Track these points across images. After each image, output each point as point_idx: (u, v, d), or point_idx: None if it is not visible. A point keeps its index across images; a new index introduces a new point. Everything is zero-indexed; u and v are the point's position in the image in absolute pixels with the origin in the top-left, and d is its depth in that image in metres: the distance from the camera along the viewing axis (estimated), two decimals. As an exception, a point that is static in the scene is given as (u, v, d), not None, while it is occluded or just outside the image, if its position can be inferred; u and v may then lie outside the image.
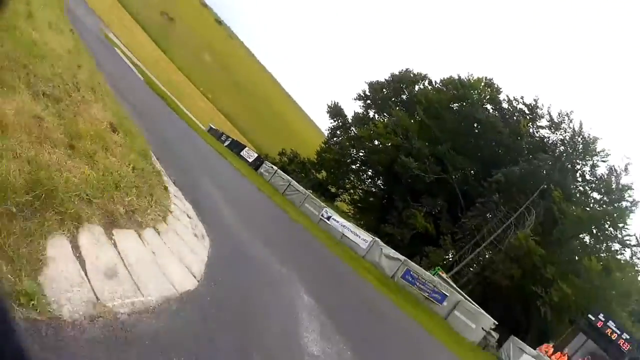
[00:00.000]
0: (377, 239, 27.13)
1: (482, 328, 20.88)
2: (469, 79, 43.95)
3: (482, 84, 43.37)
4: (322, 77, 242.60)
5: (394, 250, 25.29)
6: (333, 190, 50.51)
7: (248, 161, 38.78)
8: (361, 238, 26.20)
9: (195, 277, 5.71)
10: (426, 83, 49.43)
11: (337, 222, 27.58)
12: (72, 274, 3.71)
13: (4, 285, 2.98)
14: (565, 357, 22.45)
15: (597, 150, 36.60)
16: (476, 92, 43.13)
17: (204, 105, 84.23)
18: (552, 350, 22.55)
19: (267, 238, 12.13)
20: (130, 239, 5.00)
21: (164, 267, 5.21)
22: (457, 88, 44.02)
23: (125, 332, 3.68)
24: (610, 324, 24.18)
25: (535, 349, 21.05)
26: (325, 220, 27.68)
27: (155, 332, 4.00)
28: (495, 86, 44.20)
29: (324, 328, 7.77)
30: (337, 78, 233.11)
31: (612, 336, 24.07)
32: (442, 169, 38.63)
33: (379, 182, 49.52)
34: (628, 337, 24.29)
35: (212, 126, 52.11)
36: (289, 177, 35.12)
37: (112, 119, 7.68)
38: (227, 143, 43.87)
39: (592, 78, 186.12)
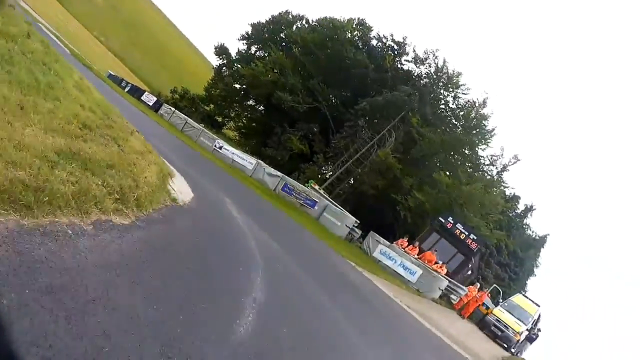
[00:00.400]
0: (260, 161, 31.74)
1: (346, 225, 25.55)
2: (342, 20, 48.62)
3: (354, 24, 48.20)
4: (213, 15, 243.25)
5: (274, 169, 29.78)
6: (219, 119, 54.96)
7: (149, 104, 41.09)
8: (247, 161, 30.88)
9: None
10: (303, 22, 53.51)
11: (228, 150, 32.06)
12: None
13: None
14: (417, 249, 26.79)
15: (460, 83, 41.83)
16: (347, 31, 47.78)
17: (99, 50, 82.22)
18: (406, 243, 26.88)
19: (171, 162, 14.99)
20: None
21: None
22: (330, 28, 48.35)
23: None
24: (459, 226, 29.44)
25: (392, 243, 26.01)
26: (218, 149, 31.94)
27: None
28: (367, 25, 49.48)
29: (249, 222, 11.67)
30: (227, 17, 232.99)
31: (461, 236, 29.34)
32: (314, 99, 43.12)
33: (260, 109, 54.09)
34: (475, 237, 30.04)
35: (111, 72, 52.83)
36: (185, 116, 38.32)
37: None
38: (127, 89, 45.61)
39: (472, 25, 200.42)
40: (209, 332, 4.50)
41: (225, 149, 32.49)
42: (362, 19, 49.80)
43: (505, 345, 24.36)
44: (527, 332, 26.68)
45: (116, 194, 5.46)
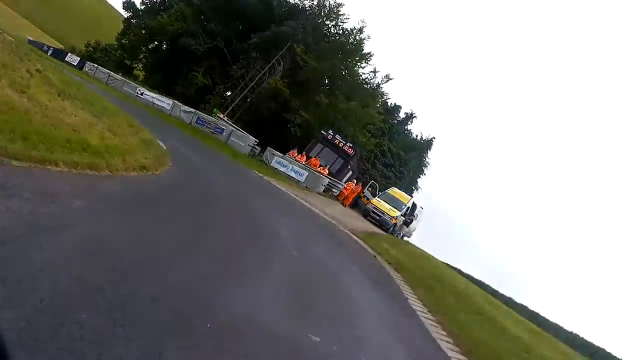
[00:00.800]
0: (175, 101, 36.65)
1: (249, 144, 32.15)
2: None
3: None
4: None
5: (187, 107, 35.18)
6: (129, 63, 57.86)
7: (74, 64, 43.69)
8: (165, 102, 36.17)
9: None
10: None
11: (148, 95, 37.17)
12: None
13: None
14: (304, 157, 33.81)
15: (340, 13, 47.20)
16: None
17: (8, 14, 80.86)
18: (296, 153, 33.78)
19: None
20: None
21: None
22: None
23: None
24: (337, 136, 36.93)
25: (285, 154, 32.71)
26: (140, 95, 36.90)
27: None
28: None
29: (176, 146, 16.65)
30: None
31: (339, 144, 36.78)
32: (212, 39, 46.67)
33: (165, 50, 56.94)
34: (351, 145, 37.75)
35: (30, 38, 53.45)
36: (107, 70, 41.97)
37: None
38: (50, 52, 47.45)
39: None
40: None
41: (146, 94, 37.29)
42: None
43: (385, 228, 30.09)
44: (402, 218, 33.01)
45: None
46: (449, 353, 8.72)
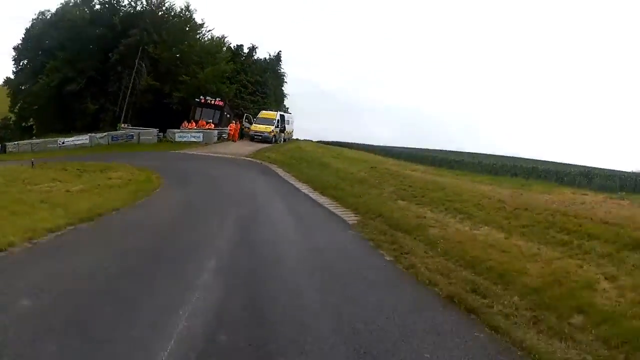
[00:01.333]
0: (89, 134, 45.62)
1: (154, 135, 43.50)
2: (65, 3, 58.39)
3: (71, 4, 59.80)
4: None
5: (100, 133, 46.00)
6: (28, 124, 62.34)
7: None
8: (83, 139, 44.79)
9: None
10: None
11: (68, 140, 44.97)
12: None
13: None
14: (193, 124, 45.78)
15: (166, 2, 57.06)
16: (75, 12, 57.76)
17: None
18: (186, 124, 45.74)
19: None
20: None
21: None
22: (62, 15, 58.01)
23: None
24: (208, 98, 49.12)
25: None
26: (63, 144, 44.28)
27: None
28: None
29: (113, 157, 29.33)
30: None
31: (210, 102, 48.96)
32: (85, 74, 54.41)
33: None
34: (219, 97, 50.10)
35: None
36: (28, 140, 48.83)
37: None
38: None
39: None
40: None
41: (67, 141, 44.62)
42: None
43: (268, 141, 42.93)
44: (277, 129, 46.29)
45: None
46: (296, 184, 21.98)
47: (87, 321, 5.40)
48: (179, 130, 44.15)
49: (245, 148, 38.73)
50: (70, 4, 59.20)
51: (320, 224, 13.87)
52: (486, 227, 11.58)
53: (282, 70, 78.47)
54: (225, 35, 60.41)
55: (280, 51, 78.67)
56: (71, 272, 7.36)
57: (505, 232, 10.93)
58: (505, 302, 6.84)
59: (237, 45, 70.39)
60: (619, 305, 6.50)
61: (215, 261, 8.50)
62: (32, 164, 22.21)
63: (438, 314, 6.61)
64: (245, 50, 72.46)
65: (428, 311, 6.77)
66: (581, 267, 8.21)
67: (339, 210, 15.19)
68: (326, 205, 16.23)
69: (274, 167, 27.72)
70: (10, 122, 62.34)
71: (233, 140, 44.55)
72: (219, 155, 33.35)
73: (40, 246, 8.70)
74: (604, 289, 7.14)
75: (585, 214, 11.94)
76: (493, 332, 5.88)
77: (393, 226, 12.17)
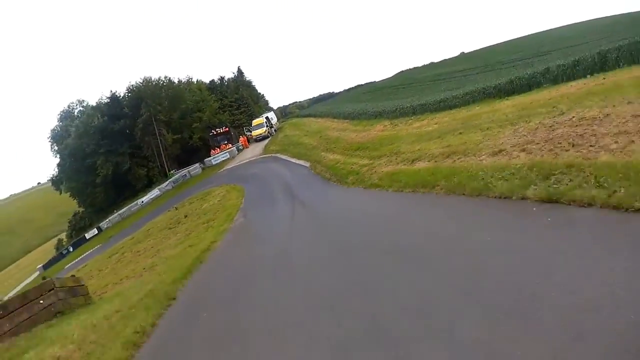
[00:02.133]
0: (159, 187, 62.71)
1: (199, 167, 63.79)
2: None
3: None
4: None
5: (164, 184, 63.79)
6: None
7: (97, 233, 61.44)
8: (155, 193, 61.99)
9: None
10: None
11: (145, 199, 61.57)
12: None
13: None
14: (218, 149, 66.45)
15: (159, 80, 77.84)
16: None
17: None
18: (213, 151, 66.70)
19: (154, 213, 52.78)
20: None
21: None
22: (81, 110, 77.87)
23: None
24: (216, 129, 70.70)
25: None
26: (142, 203, 61.18)
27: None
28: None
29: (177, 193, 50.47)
30: None
31: (219, 130, 70.83)
32: (123, 157, 74.55)
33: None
34: (224, 125, 71.96)
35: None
36: (117, 213, 62.15)
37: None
38: (67, 252, 63.41)
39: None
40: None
41: (144, 200, 60.48)
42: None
43: (266, 138, 63.81)
44: (269, 127, 67.11)
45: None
46: (287, 158, 41.98)
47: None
48: (212, 157, 64.06)
49: (256, 150, 58.97)
50: (85, 114, 75.95)
51: (295, 167, 33.10)
52: (338, 155, 30.13)
53: (247, 79, 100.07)
54: (201, 80, 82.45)
55: (239, 66, 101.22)
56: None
57: (344, 156, 30.19)
58: (323, 171, 27.09)
59: (210, 80, 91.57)
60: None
61: (263, 178, 31.29)
62: (176, 208, 39.17)
63: (315, 179, 26.62)
64: (217, 80, 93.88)
65: (314, 179, 26.48)
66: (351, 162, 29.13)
67: (303, 162, 33.75)
68: (298, 162, 34.69)
69: (276, 155, 47.37)
70: (80, 212, 77.99)
71: (246, 147, 64.70)
72: (245, 160, 53.12)
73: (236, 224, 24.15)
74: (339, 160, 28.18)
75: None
76: (324, 180, 25.31)
77: (316, 162, 30.39)
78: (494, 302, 6.30)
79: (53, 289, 13.69)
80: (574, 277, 6.06)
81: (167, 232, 30.93)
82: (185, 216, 32.97)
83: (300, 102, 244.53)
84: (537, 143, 11.97)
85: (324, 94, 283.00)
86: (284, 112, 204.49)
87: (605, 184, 7.86)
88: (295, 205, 20.13)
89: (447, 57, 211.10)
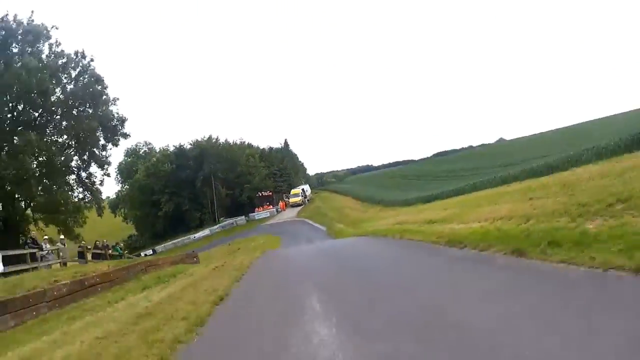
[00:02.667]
0: (211, 227, 78.29)
1: (243, 220, 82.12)
2: None
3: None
4: None
5: (216, 226, 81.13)
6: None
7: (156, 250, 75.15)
8: (207, 231, 76.83)
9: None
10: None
11: (196, 236, 75.20)
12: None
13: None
14: (262, 208, 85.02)
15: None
16: None
17: None
18: (257, 209, 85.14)
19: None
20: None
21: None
22: None
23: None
24: (261, 193, 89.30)
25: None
26: (194, 237, 76.76)
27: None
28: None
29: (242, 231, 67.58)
30: None
31: (264, 195, 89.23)
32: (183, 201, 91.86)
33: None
34: (268, 190, 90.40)
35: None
36: (159, 247, 72.80)
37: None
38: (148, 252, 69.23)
39: None
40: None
41: (197, 235, 73.67)
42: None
43: (299, 205, 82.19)
44: (303, 197, 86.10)
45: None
46: (314, 224, 58.63)
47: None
48: (255, 213, 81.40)
49: (291, 213, 76.02)
50: (153, 156, 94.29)
51: (316, 229, 49.69)
52: (342, 225, 47.69)
53: (292, 151, 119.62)
54: (255, 147, 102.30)
55: (286, 139, 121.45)
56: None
57: (345, 225, 48.53)
58: (331, 233, 43.23)
59: (262, 149, 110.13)
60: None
61: (293, 233, 47.87)
62: (229, 244, 54.09)
63: (325, 235, 43.39)
64: (267, 149, 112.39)
65: (325, 235, 43.50)
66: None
67: (322, 227, 50.12)
68: (319, 227, 51.18)
69: (306, 220, 63.81)
70: (136, 235, 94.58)
71: (283, 210, 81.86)
72: (282, 220, 69.28)
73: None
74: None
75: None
76: (317, 225, 45.91)
77: (330, 227, 47.06)
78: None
79: (194, 254, 30.95)
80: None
81: (227, 257, 47.35)
82: (239, 249, 48.39)
83: (338, 171, 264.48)
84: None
85: (361, 167, 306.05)
86: (321, 179, 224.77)
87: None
88: (311, 245, 36.15)
89: (485, 142, 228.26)
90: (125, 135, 51.73)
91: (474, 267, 9.01)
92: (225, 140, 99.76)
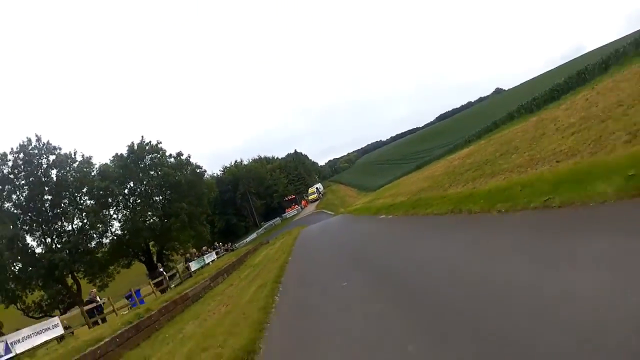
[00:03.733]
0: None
1: (279, 219, 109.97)
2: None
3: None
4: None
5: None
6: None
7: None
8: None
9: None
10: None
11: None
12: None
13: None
14: (290, 209, 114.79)
15: None
16: None
17: None
18: (286, 210, 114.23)
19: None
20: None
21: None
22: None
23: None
24: (288, 197, 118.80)
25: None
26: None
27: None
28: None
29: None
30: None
31: (288, 198, 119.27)
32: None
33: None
34: (291, 194, 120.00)
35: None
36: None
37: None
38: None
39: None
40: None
41: (247, 239, 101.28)
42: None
43: (317, 201, 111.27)
44: (319, 193, 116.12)
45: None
46: (329, 212, 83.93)
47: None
48: (287, 213, 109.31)
49: (311, 208, 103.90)
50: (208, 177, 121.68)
51: (327, 215, 72.90)
52: (342, 209, 72.65)
53: (303, 155, 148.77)
54: (274, 159, 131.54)
55: (295, 149, 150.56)
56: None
57: (344, 208, 75.96)
58: (334, 213, 71.51)
59: (278, 158, 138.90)
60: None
61: (315, 219, 70.76)
62: (277, 237, 76.45)
63: (330, 215, 70.62)
64: (283, 159, 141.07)
65: (330, 215, 70.19)
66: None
67: (332, 212, 72.93)
68: (330, 212, 74.18)
69: (322, 210, 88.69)
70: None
71: (306, 206, 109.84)
72: (306, 214, 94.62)
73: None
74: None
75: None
76: (328, 212, 74.25)
77: (335, 211, 73.91)
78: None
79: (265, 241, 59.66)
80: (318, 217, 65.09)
81: (281, 239, 68.15)
82: (285, 235, 69.19)
83: (349, 155, 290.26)
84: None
85: (370, 144, 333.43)
86: (334, 166, 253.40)
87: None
88: (323, 222, 53.31)
89: (483, 95, 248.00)
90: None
91: (384, 220, 22.86)
92: (249, 161, 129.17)
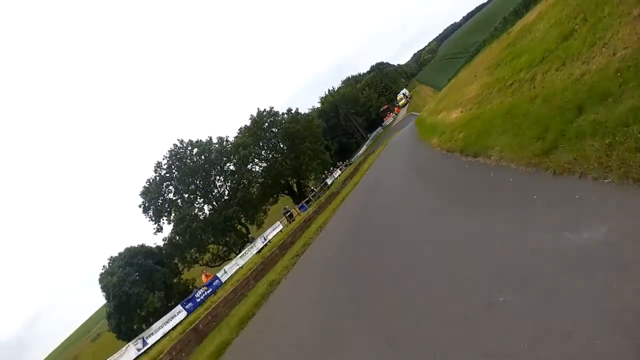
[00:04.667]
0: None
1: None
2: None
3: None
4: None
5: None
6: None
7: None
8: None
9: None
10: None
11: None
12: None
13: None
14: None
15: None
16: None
17: None
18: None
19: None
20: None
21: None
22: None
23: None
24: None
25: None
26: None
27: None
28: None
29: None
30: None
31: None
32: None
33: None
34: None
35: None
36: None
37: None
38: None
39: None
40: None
41: (359, 153, 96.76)
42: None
43: (407, 104, 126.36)
44: (406, 98, 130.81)
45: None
46: (413, 112, 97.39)
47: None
48: (385, 122, 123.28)
49: (403, 112, 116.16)
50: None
51: (415, 116, 69.62)
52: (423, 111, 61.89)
53: (384, 64, 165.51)
54: (359, 73, 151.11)
55: (376, 62, 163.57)
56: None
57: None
58: (418, 109, 76.76)
59: (365, 73, 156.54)
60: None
61: (407, 123, 71.59)
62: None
63: (414, 116, 74.92)
64: (368, 71, 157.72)
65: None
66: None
67: (418, 113, 63.34)
68: (417, 113, 66.75)
69: (412, 112, 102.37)
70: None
71: (398, 112, 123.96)
72: (400, 119, 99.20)
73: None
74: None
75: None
76: (416, 113, 79.82)
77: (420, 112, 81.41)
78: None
79: (371, 152, 79.13)
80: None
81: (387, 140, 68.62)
82: (389, 137, 72.86)
83: (431, 45, 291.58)
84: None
85: (447, 28, 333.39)
86: (418, 60, 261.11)
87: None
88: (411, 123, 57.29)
89: None
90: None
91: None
92: (339, 86, 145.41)
